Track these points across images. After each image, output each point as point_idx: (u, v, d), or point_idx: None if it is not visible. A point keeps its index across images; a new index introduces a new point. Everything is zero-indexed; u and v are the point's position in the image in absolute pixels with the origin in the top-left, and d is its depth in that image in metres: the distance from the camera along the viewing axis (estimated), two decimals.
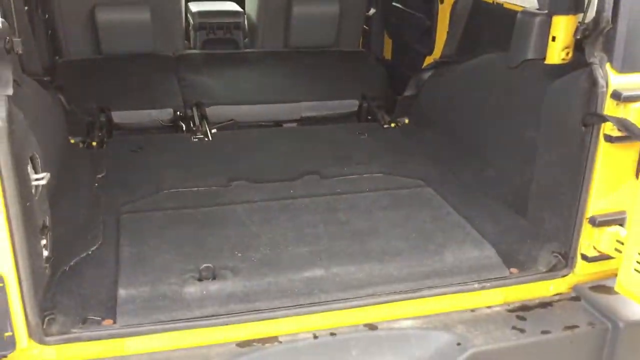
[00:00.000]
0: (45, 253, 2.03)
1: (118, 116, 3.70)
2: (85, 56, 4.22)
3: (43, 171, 2.00)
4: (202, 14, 4.59)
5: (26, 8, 3.70)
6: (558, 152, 2.43)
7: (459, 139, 3.24)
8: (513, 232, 2.55)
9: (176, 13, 4.34)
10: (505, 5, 3.34)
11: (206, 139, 3.53)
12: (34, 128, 2.10)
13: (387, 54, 4.92)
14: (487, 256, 2.38)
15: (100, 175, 2.96)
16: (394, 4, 4.61)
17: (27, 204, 1.83)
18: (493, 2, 3.49)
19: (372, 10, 4.95)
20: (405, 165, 3.18)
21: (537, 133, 2.55)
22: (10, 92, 1.72)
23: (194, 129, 3.64)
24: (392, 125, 3.82)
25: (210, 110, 3.83)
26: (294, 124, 3.94)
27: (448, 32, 3.68)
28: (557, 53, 2.63)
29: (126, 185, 2.87)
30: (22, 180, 1.79)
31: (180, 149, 3.37)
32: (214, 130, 3.68)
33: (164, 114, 3.77)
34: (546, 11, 2.67)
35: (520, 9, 2.91)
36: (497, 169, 2.90)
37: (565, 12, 2.56)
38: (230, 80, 4.18)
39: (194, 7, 4.72)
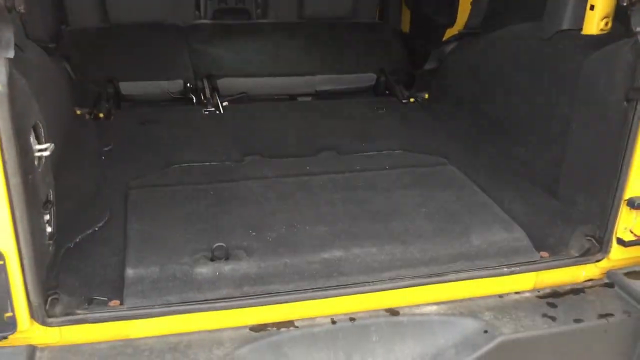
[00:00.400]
0: (49, 229, 1.91)
1: (126, 87, 3.56)
2: (92, 24, 4.05)
3: (47, 142, 1.86)
4: None
5: None
6: (596, 130, 2.26)
7: (484, 115, 3.08)
8: (544, 214, 2.40)
9: None
10: None
11: (217, 112, 3.38)
12: (37, 96, 1.97)
13: (405, 27, 4.72)
14: (516, 238, 2.24)
15: (107, 148, 2.83)
16: None
17: (29, 177, 1.70)
18: None
19: None
20: (426, 142, 3.03)
21: (571, 110, 2.39)
22: (11, 54, 1.58)
23: (205, 101, 3.50)
24: (411, 100, 3.66)
25: (221, 83, 3.68)
26: (309, 98, 3.79)
27: (472, 2, 3.48)
28: (595, 23, 2.45)
29: (134, 159, 2.74)
30: (23, 151, 1.66)
31: (191, 122, 3.23)
32: (225, 103, 3.54)
33: (174, 86, 3.63)
34: None
35: None
36: (526, 147, 2.74)
37: None
38: (242, 51, 4.01)
39: None
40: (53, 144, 1.83)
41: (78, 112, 3.22)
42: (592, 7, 2.45)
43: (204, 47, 3.98)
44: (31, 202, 1.70)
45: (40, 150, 1.78)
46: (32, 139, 1.76)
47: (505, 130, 2.86)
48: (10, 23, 1.62)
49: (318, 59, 4.00)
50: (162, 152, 2.80)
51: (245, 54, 3.99)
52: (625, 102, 2.08)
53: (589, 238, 2.26)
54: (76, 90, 3.25)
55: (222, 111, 3.39)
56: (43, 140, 1.83)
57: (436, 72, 3.61)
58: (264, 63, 3.92)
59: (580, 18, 2.50)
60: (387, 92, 3.90)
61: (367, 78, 3.92)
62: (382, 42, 4.31)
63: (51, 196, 1.92)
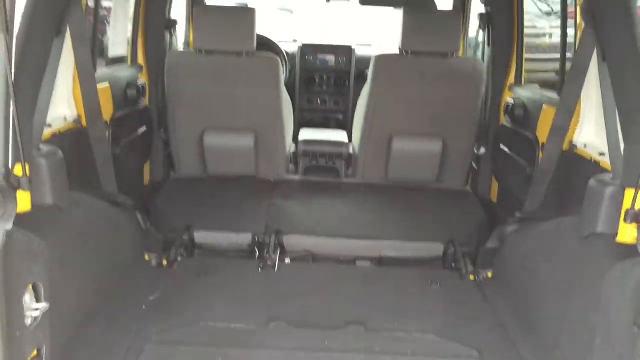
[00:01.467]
0: None
1: (201, 236, 3.86)
2: (194, 175, 4.52)
3: (47, 300, 2.04)
4: (307, 142, 4.74)
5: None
6: (615, 351, 2.03)
7: (531, 306, 2.88)
8: None
9: (279, 140, 4.52)
10: (602, 164, 3.03)
11: (273, 270, 3.52)
12: (72, 251, 2.22)
13: (494, 197, 4.65)
14: None
15: (152, 297, 3.05)
16: (500, 146, 4.40)
17: (17, 333, 1.90)
18: (590, 158, 3.18)
19: (482, 150, 4.77)
20: (464, 328, 2.88)
21: (597, 320, 2.18)
22: (9, 226, 1.84)
23: (267, 256, 3.66)
24: (472, 277, 3.52)
25: (288, 239, 3.85)
26: (368, 263, 3.80)
27: (532, 185, 3.39)
28: (629, 231, 2.28)
29: (170, 312, 2.92)
30: (11, 308, 1.87)
31: (241, 279, 3.38)
32: (287, 261, 3.68)
33: (243, 239, 3.85)
34: (619, 182, 2.36)
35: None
36: (562, 352, 2.50)
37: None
38: (317, 209, 4.20)
39: (303, 135, 4.91)
40: (48, 304, 2.04)
41: (147, 257, 3.53)
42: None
43: (283, 202, 4.23)
44: (15, 356, 1.89)
45: (35, 309, 2.00)
46: (29, 297, 1.99)
47: (545, 327, 2.65)
48: (14, 199, 1.90)
49: (389, 223, 4.05)
50: (199, 307, 2.95)
51: (320, 212, 4.16)
52: (636, 328, 1.87)
53: None
54: (151, 237, 3.59)
55: (276, 269, 3.52)
56: (42, 298, 2.06)
57: (498, 252, 3.48)
58: (334, 223, 4.05)
59: (614, 223, 2.34)
60: (453, 264, 3.80)
61: (434, 248, 3.86)
62: (461, 210, 4.26)
63: (45, 351, 2.10)
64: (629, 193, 2.28)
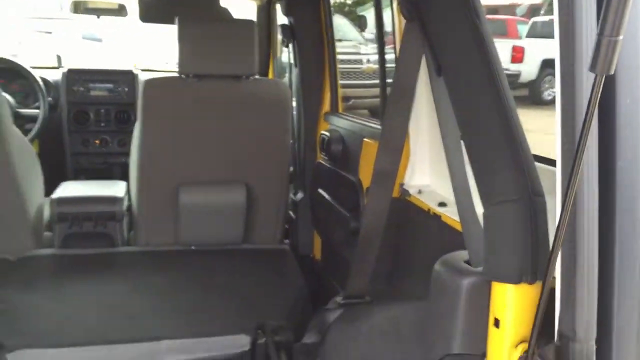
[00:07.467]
0: None
1: None
2: None
3: None
4: (61, 200, 3.45)
5: None
6: None
7: None
8: None
9: (14, 201, 3.19)
10: (444, 219, 2.17)
11: None
12: None
13: (317, 253, 3.71)
14: None
15: None
16: (318, 190, 3.48)
17: None
18: (429, 210, 2.32)
19: (300, 195, 3.83)
20: None
21: None
22: None
23: None
24: None
25: (15, 357, 2.54)
26: None
27: (357, 248, 2.42)
28: (505, 349, 1.36)
29: None
30: None
31: None
32: None
33: None
34: (480, 269, 1.44)
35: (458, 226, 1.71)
36: None
37: (515, 278, 1.32)
38: (71, 300, 2.92)
39: (59, 191, 3.60)
40: None
41: None
42: (496, 323, 1.37)
43: (16, 295, 2.89)
44: None
45: None
46: None
47: None
48: None
49: (174, 311, 2.89)
50: None
51: (72, 305, 2.89)
52: None
53: None
54: None
55: None
56: None
57: (319, 350, 2.48)
58: (92, 321, 2.80)
59: (478, 338, 1.41)
60: None
61: (237, 342, 2.77)
62: (275, 280, 3.23)
63: None
64: (498, 290, 1.36)
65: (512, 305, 1.32)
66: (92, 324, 2.77)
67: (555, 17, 1.03)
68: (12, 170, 3.10)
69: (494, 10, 17.61)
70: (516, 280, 1.30)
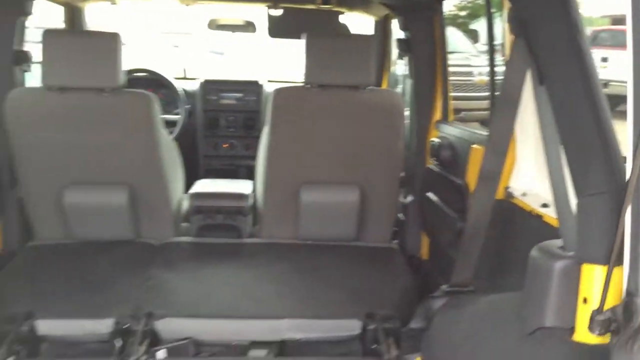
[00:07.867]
0: None
1: (46, 326, 2.95)
2: (55, 241, 3.62)
3: None
4: (197, 195, 3.93)
5: None
6: None
7: None
8: None
9: (161, 194, 3.69)
10: (546, 219, 2.34)
11: None
12: None
13: (424, 253, 3.93)
14: None
15: None
16: (427, 194, 3.70)
17: None
18: (531, 211, 2.49)
19: (410, 198, 4.07)
20: None
21: None
22: None
23: (133, 349, 2.79)
24: None
25: (164, 324, 2.98)
26: (264, 352, 2.97)
27: (461, 245, 2.65)
28: (589, 325, 1.55)
29: None
30: None
31: None
32: (160, 355, 2.82)
33: (102, 326, 2.96)
34: (572, 253, 1.64)
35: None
36: None
37: (603, 260, 1.51)
38: (207, 281, 3.35)
39: (196, 187, 4.10)
40: None
41: None
42: (585, 300, 1.56)
43: (162, 274, 3.36)
44: None
45: None
46: None
47: None
48: None
49: (294, 295, 3.24)
50: None
51: (208, 285, 3.31)
52: None
53: None
54: None
55: None
56: None
57: (426, 332, 2.71)
58: (227, 298, 3.21)
59: (568, 313, 1.61)
60: (374, 345, 3.00)
61: (349, 326, 3.06)
62: (384, 275, 3.49)
63: None
64: (587, 271, 1.56)
65: (599, 284, 1.51)
66: (224, 301, 3.18)
67: (628, 27, 1.24)
68: (162, 167, 3.60)
69: (619, 20, 16.85)
70: (605, 262, 1.49)
